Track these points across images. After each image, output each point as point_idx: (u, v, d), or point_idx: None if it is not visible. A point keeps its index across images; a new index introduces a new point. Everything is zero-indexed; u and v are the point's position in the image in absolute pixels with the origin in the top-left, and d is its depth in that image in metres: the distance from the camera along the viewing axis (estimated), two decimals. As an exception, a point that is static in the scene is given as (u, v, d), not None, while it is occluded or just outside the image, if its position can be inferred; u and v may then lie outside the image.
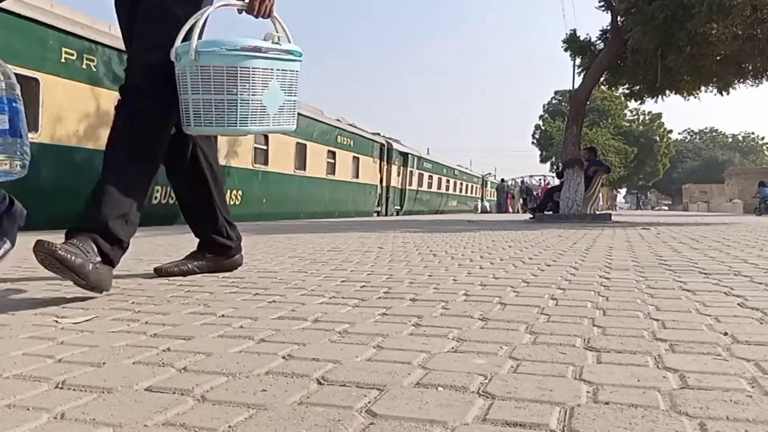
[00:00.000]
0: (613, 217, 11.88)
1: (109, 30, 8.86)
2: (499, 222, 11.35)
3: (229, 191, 11.83)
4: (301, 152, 15.28)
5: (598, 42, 12.50)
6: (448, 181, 31.54)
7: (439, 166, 29.99)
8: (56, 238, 2.17)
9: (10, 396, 1.11)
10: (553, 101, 53.48)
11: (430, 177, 28.00)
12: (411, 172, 24.91)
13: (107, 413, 1.02)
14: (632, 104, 40.15)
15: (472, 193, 39.28)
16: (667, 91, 11.92)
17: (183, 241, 5.33)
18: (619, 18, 11.21)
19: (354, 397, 1.11)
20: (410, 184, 24.92)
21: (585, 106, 11.78)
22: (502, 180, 38.08)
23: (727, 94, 11.46)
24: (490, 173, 50.37)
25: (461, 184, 35.35)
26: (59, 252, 1.95)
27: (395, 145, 23.27)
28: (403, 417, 1.00)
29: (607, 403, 1.07)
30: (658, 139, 52.22)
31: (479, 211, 36.56)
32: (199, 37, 2.36)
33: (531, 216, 12.95)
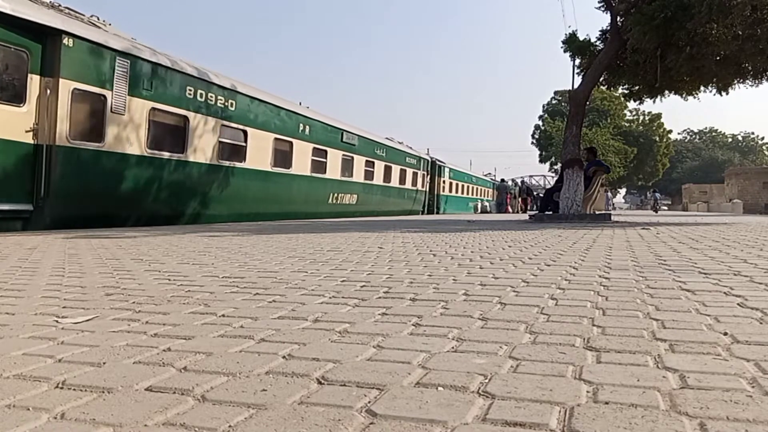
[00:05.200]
0: (612, 217, 11.91)
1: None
2: (499, 222, 11.35)
3: None
4: None
5: (598, 42, 12.53)
6: (322, 153, 15.31)
7: (289, 117, 13.70)
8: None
9: (10, 396, 1.11)
10: (553, 101, 53.59)
11: (259, 138, 12.41)
12: (149, 111, 9.38)
13: (107, 413, 1.02)
14: (632, 104, 40.25)
15: (405, 183, 22.22)
16: (667, 92, 11.93)
17: (183, 242, 5.33)
18: (618, 18, 11.22)
19: (354, 396, 1.11)
20: (145, 146, 9.36)
21: (585, 106, 11.77)
22: (502, 180, 37.59)
23: (726, 94, 11.48)
24: (489, 173, 49.28)
25: (374, 165, 18.87)
26: None
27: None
28: (403, 417, 1.00)
29: (607, 403, 1.07)
30: (657, 139, 52.33)
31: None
32: None
33: (530, 216, 12.99)
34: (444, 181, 27.90)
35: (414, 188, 23.56)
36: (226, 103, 11.37)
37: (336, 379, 1.21)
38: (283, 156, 13.49)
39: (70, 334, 1.64)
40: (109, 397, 1.11)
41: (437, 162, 27.03)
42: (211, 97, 10.94)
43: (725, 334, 1.63)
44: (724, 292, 2.35)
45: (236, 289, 2.47)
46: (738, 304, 2.10)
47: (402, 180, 21.93)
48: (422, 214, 23.69)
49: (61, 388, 1.17)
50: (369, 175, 18.62)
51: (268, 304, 2.12)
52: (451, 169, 29.33)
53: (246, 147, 11.98)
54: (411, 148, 23.81)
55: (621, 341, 1.54)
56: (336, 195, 16.41)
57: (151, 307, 2.06)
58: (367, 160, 18.33)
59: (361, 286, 2.56)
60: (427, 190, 25.50)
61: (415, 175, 23.55)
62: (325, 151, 15.50)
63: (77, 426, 0.97)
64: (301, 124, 14.18)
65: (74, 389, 1.15)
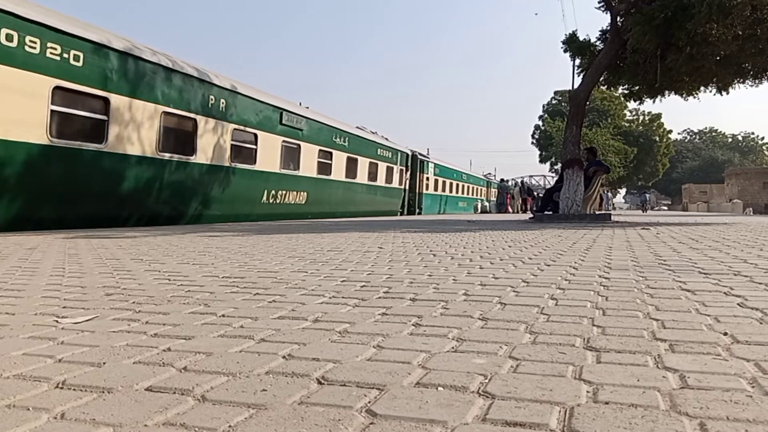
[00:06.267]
0: (612, 218, 11.93)
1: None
2: (499, 222, 11.35)
3: None
4: None
5: (598, 42, 12.54)
6: (251, 138, 11.90)
7: (191, 86, 10.03)
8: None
9: (10, 396, 1.11)
10: (553, 101, 53.57)
11: (135, 111, 8.85)
12: None
13: (107, 413, 1.02)
14: (632, 104, 40.22)
15: (376, 180, 18.80)
16: (667, 92, 11.95)
17: (183, 242, 5.33)
18: (618, 18, 11.23)
19: (354, 396, 1.11)
20: None
21: (585, 106, 11.78)
22: (502, 180, 37.49)
23: (727, 93, 11.49)
24: (489, 173, 49.07)
25: (332, 157, 15.48)
26: None
27: None
28: (403, 417, 1.00)
29: (607, 403, 1.07)
30: (657, 139, 52.30)
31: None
32: None
33: (531, 216, 13.01)
34: (428, 178, 24.56)
35: (388, 185, 19.92)
36: (66, 56, 7.68)
37: (336, 379, 1.21)
38: (181, 139, 9.93)
39: (70, 334, 1.64)
40: (109, 397, 1.11)
41: (419, 156, 23.57)
42: (33, 43, 7.24)
43: (725, 334, 1.63)
44: (724, 292, 2.35)
45: (236, 289, 2.47)
46: (738, 304, 2.10)
47: (372, 176, 18.37)
48: (400, 215, 20.54)
49: (61, 388, 1.17)
50: (324, 168, 15.08)
51: (268, 304, 2.12)
52: (436, 164, 26.05)
53: (107, 122, 8.36)
54: (387, 139, 20.47)
55: (621, 341, 1.54)
56: (274, 192, 12.81)
57: (151, 307, 2.06)
58: (321, 150, 14.75)
59: (361, 286, 2.56)
60: (407, 187, 22.11)
61: (389, 170, 19.87)
62: (255, 135, 11.87)
63: (77, 426, 0.97)
64: (212, 98, 10.53)
65: (74, 389, 1.15)
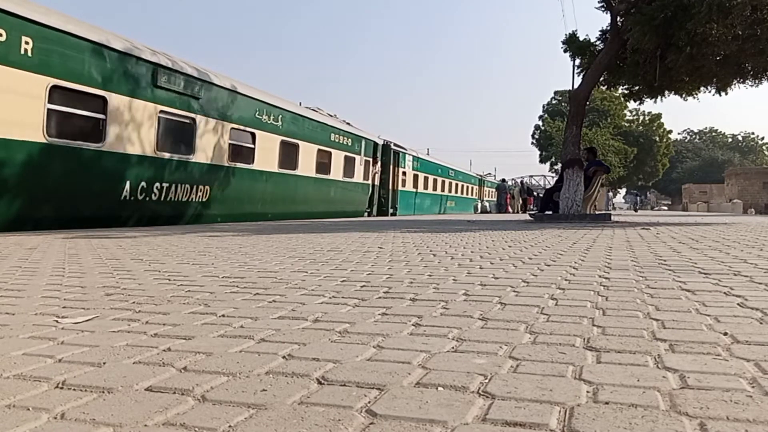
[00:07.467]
0: (612, 217, 11.95)
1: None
2: (499, 222, 11.35)
3: None
4: None
5: (598, 42, 12.55)
6: (93, 103, 7.83)
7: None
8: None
9: (10, 396, 1.11)
10: (553, 101, 53.57)
11: None
12: None
13: (107, 413, 1.02)
14: (632, 104, 40.20)
15: (329, 173, 15.03)
16: (667, 92, 11.95)
17: (183, 242, 5.33)
18: (618, 18, 11.23)
19: (354, 396, 1.11)
20: None
21: (585, 106, 11.78)
22: (503, 180, 37.33)
23: (726, 94, 11.50)
24: (489, 173, 48.95)
25: (255, 139, 11.53)
26: None
27: None
28: (403, 417, 1.00)
29: (607, 403, 1.07)
30: (657, 139, 52.31)
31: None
32: None
33: (531, 216, 13.03)
34: (404, 173, 20.86)
35: (348, 180, 16.16)
36: None
37: (336, 379, 1.21)
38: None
39: (70, 334, 1.64)
40: (109, 397, 1.11)
41: (392, 147, 19.61)
42: None
43: (725, 334, 1.63)
44: (724, 292, 2.35)
45: (236, 289, 2.47)
46: (738, 304, 2.10)
47: (323, 167, 14.54)
48: (369, 216, 17.62)
49: (61, 388, 1.17)
50: (242, 154, 11.26)
51: (268, 304, 2.12)
52: (414, 157, 22.26)
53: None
54: (349, 124, 16.82)
55: (621, 341, 1.54)
56: (146, 185, 8.91)
57: (151, 307, 2.06)
58: (235, 129, 10.87)
59: (361, 286, 2.56)
60: (375, 183, 18.43)
61: (349, 161, 16.09)
62: (103, 100, 7.99)
63: (77, 426, 0.97)
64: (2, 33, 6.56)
65: (74, 389, 1.15)
